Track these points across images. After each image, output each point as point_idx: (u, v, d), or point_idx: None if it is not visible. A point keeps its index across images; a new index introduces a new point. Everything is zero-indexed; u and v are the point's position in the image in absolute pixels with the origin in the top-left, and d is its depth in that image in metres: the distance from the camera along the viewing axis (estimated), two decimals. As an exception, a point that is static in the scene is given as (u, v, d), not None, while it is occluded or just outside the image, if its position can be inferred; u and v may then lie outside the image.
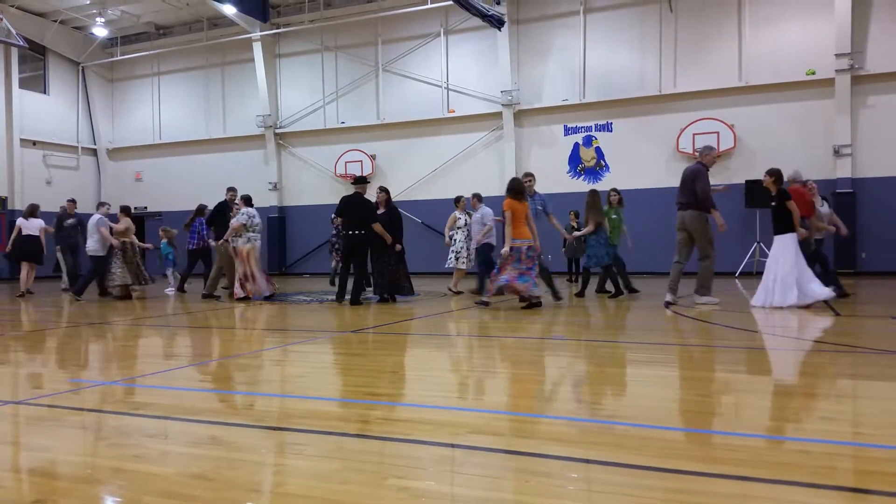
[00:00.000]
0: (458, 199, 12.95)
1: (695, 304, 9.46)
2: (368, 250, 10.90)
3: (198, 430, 3.50)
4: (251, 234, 11.77)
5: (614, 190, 12.23)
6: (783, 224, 8.97)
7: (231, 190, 13.10)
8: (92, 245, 12.55)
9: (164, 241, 15.08)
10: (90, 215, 13.21)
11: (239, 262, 11.79)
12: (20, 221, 13.91)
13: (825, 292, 8.71)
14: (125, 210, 13.09)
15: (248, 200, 12.18)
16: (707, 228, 9.59)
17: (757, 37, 17.11)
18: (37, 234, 13.84)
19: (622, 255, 11.89)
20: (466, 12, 16.61)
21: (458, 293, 12.33)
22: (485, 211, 12.06)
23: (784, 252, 8.85)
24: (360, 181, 11.28)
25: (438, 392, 4.44)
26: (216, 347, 6.88)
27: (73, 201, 15.26)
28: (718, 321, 7.83)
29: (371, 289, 12.36)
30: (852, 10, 15.93)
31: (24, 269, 13.96)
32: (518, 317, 8.63)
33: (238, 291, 11.75)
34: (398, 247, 10.85)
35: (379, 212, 10.96)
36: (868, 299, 10.71)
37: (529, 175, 10.55)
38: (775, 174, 9.21)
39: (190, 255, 13.95)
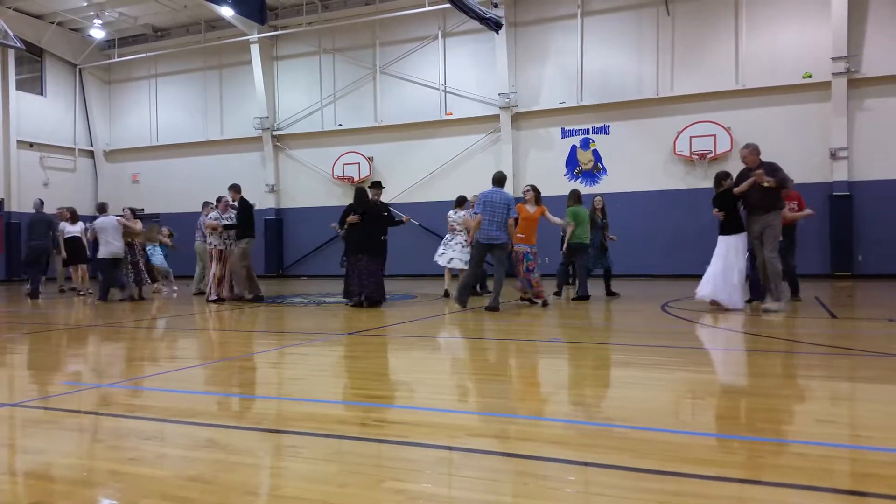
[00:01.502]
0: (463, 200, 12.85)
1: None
2: (378, 252, 10.83)
3: (195, 433, 3.50)
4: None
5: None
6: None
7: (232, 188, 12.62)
8: (117, 248, 12.51)
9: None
10: (93, 217, 13.30)
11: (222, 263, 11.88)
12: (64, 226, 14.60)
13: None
14: (100, 208, 13.13)
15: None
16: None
17: (754, 40, 17.14)
18: (79, 235, 14.42)
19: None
20: (464, 15, 16.61)
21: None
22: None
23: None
24: (372, 186, 11.34)
25: (436, 394, 4.43)
26: (213, 350, 6.87)
27: (39, 200, 15.11)
28: (713, 324, 7.83)
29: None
30: (849, 14, 15.97)
31: (79, 270, 14.65)
32: (516, 320, 8.63)
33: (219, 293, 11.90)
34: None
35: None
36: (865, 302, 10.72)
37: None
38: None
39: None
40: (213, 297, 11.78)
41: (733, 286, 8.84)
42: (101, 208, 13.01)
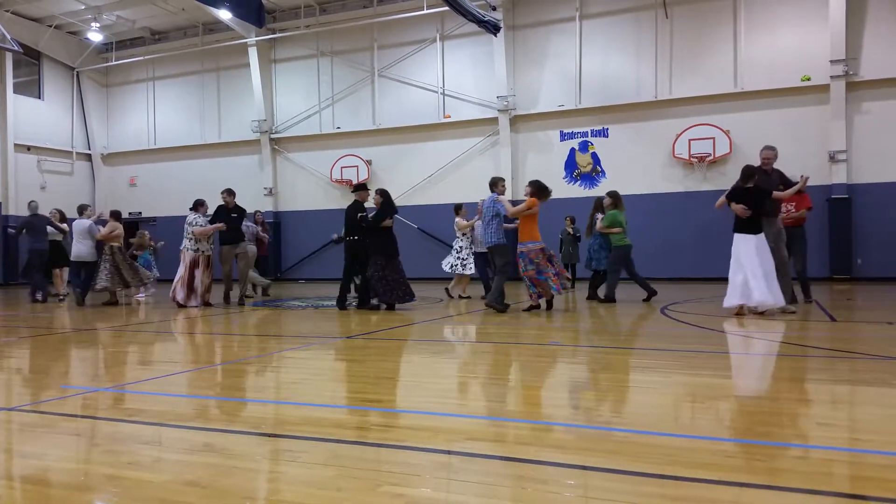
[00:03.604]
0: (459, 207, 12.99)
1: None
2: (366, 254, 10.71)
3: (192, 437, 3.48)
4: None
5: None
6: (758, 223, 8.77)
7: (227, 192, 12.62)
8: (85, 250, 12.59)
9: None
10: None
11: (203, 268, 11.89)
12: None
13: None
14: (115, 215, 13.02)
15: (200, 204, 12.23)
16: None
17: (752, 43, 17.17)
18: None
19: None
20: (462, 18, 16.62)
21: (466, 298, 12.78)
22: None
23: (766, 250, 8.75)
24: (358, 188, 11.25)
25: (435, 398, 4.42)
26: (210, 353, 6.85)
27: (35, 203, 15.17)
28: (713, 326, 7.83)
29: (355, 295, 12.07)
30: (847, 17, 16.01)
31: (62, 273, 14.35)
32: (515, 323, 8.62)
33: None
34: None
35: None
36: (864, 305, 10.72)
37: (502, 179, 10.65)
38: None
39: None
40: (197, 303, 11.76)
41: (775, 283, 8.50)
42: (81, 210, 13.15)
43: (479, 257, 12.32)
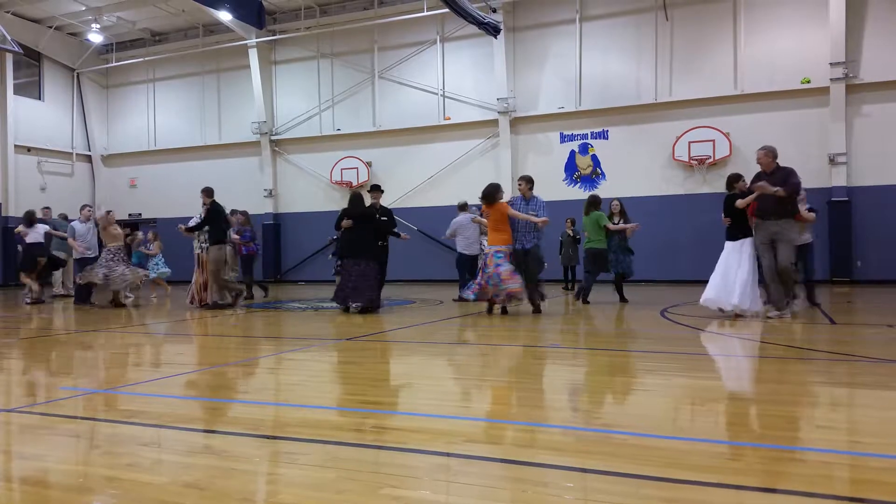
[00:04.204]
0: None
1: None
2: (373, 256, 10.52)
3: (191, 439, 3.48)
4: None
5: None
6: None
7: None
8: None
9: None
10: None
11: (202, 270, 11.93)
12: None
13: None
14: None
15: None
16: None
17: (752, 45, 17.17)
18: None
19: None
20: (463, 20, 16.63)
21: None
22: (458, 219, 12.23)
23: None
24: (371, 189, 11.33)
25: (434, 400, 4.42)
26: (209, 355, 6.85)
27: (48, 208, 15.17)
28: (713, 330, 7.83)
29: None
30: (846, 20, 16.00)
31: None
32: (516, 325, 8.61)
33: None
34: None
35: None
36: (864, 308, 10.72)
37: (522, 178, 10.35)
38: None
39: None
40: (195, 303, 11.81)
41: (741, 290, 8.42)
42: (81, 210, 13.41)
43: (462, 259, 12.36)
